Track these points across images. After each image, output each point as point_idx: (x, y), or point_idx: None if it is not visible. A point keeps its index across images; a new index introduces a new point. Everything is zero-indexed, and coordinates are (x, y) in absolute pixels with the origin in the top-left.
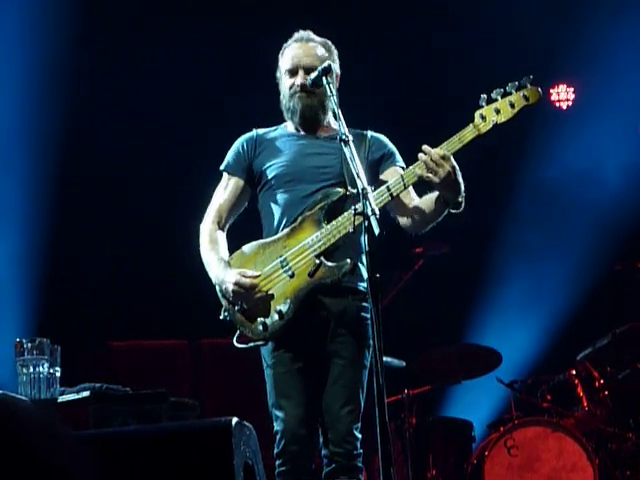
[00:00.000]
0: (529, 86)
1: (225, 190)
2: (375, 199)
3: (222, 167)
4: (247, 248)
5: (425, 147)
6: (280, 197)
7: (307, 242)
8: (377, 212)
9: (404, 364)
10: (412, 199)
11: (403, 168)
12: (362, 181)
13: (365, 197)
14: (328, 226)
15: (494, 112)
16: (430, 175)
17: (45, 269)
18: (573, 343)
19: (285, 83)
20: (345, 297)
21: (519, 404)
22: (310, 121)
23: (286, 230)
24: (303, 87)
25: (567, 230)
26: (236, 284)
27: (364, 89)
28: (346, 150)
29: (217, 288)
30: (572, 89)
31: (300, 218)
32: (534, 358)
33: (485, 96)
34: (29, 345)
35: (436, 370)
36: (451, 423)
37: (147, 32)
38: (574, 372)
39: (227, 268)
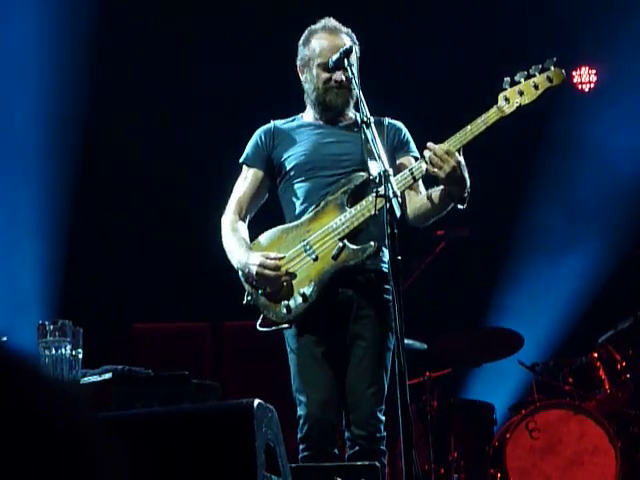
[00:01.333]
0: (553, 68)
1: (245, 182)
2: (398, 182)
3: (241, 160)
4: (268, 234)
5: (429, 144)
6: (301, 185)
7: (331, 225)
8: (399, 194)
9: (425, 347)
10: (419, 192)
11: (416, 158)
12: (384, 163)
13: (387, 179)
14: (352, 209)
15: (517, 94)
16: (435, 170)
17: (68, 252)
18: (595, 325)
19: (319, 75)
20: (368, 279)
21: (541, 387)
22: (337, 114)
23: (309, 214)
24: (342, 84)
25: (589, 212)
26: (260, 265)
27: (384, 74)
28: (368, 132)
29: (240, 273)
30: (594, 71)
31: (323, 202)
32: (556, 341)
33: (508, 79)
34: (51, 327)
35: (457, 353)
36: (473, 406)
37: (165, 32)
38: (596, 355)
39: (250, 251)
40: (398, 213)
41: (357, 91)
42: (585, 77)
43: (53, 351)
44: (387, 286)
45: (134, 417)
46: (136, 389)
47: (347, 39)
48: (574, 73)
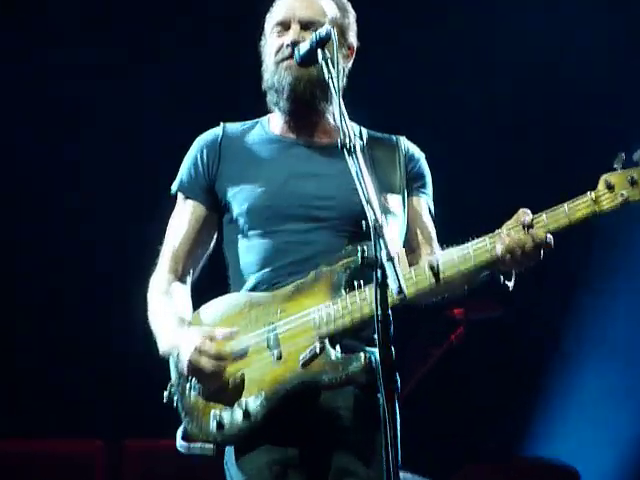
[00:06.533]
0: None
1: (180, 221)
2: (407, 278)
3: (174, 187)
4: (226, 303)
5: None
6: (256, 241)
7: (312, 314)
8: (395, 258)
9: None
10: (431, 249)
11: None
12: (374, 210)
13: (379, 235)
14: (347, 298)
15: (628, 183)
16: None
17: None
18: None
19: (271, 45)
20: (347, 389)
21: None
22: (305, 108)
23: (289, 287)
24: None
25: None
26: (197, 350)
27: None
28: (351, 162)
29: (170, 360)
30: None
31: (313, 274)
32: (624, 478)
33: (623, 155)
34: None
35: None
36: None
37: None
38: None
39: (183, 327)
40: (394, 286)
41: (336, 98)
42: None
43: None
44: (378, 396)
45: None
46: None
47: (331, 2)
48: None
